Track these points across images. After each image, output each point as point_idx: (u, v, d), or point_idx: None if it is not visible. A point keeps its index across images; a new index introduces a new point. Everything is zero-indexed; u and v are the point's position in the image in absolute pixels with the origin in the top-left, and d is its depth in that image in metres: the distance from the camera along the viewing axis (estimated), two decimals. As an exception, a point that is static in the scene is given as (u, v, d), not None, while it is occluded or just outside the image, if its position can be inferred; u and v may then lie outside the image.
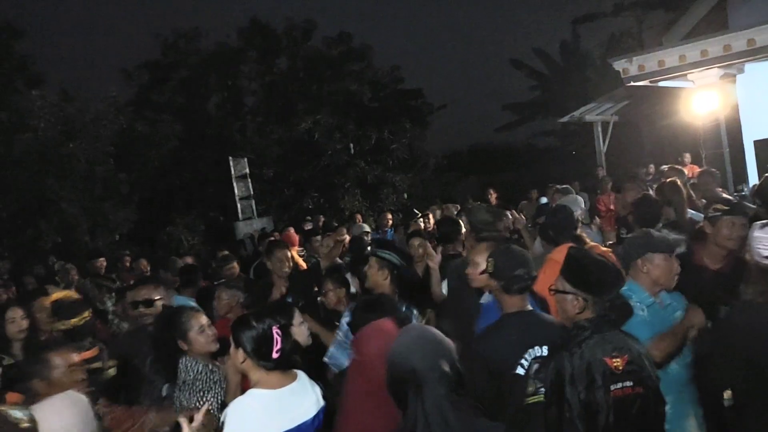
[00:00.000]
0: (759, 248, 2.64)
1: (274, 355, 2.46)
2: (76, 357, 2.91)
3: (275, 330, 2.47)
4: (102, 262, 8.52)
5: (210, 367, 3.30)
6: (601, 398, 2.37)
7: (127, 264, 9.23)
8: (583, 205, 5.54)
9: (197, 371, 3.23)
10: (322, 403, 2.66)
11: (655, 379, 2.58)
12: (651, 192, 5.94)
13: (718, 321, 2.77)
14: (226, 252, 7.88)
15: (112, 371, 3.82)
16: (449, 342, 2.16)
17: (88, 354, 3.67)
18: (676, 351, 2.92)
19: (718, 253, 3.75)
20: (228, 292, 4.62)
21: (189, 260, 7.80)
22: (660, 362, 2.89)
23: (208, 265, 8.29)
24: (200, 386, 3.21)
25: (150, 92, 19.68)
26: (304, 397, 2.58)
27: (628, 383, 2.42)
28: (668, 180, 5.86)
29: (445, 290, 4.49)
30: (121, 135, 14.81)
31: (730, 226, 3.69)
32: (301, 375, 2.65)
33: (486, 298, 3.54)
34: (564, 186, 8.08)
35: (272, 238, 8.25)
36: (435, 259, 4.42)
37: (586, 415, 2.35)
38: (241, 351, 2.51)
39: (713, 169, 7.27)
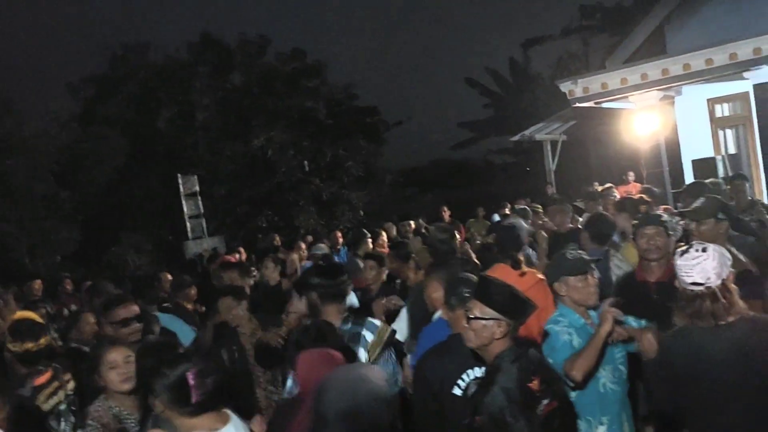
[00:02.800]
0: (683, 276, 2.66)
1: (193, 400, 2.39)
2: None
3: (189, 375, 2.39)
4: (39, 284, 8.04)
5: (112, 408, 3.09)
6: (536, 423, 2.43)
7: (68, 287, 8.89)
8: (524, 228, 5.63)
9: (93, 414, 3.04)
10: None
11: (564, 388, 2.69)
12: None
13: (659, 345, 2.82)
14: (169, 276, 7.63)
15: (71, 386, 3.66)
16: (380, 388, 2.21)
17: (41, 379, 3.53)
18: (594, 367, 2.95)
19: (650, 265, 3.83)
20: None
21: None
22: (581, 381, 2.91)
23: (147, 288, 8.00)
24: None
25: (96, 107, 19.23)
26: None
27: (546, 401, 2.49)
28: (637, 195, 6.00)
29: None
30: (64, 151, 14.39)
31: (644, 237, 3.81)
32: (234, 418, 2.55)
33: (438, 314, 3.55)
34: (522, 207, 8.18)
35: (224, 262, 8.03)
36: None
37: None
38: (158, 401, 2.43)
39: (654, 189, 7.47)
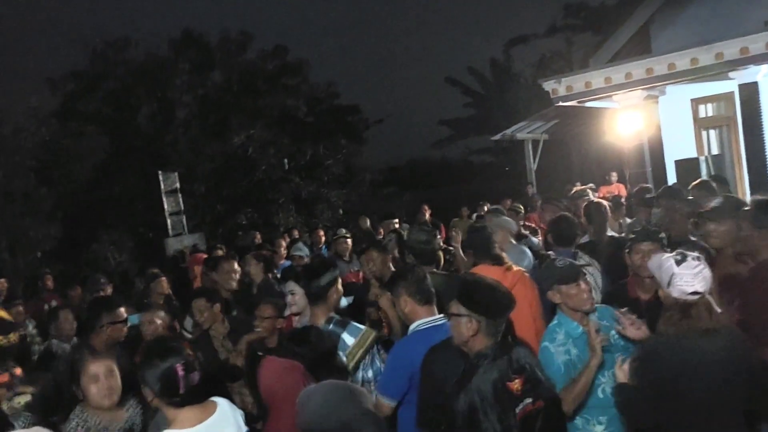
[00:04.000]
0: (682, 285, 2.58)
1: (181, 391, 2.47)
2: None
3: (179, 367, 2.46)
4: (2, 283, 7.76)
5: (88, 421, 2.97)
6: (512, 424, 2.45)
7: (49, 283, 8.74)
8: (512, 225, 5.63)
9: (68, 427, 2.93)
10: (244, 430, 2.66)
11: (552, 388, 2.68)
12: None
13: (639, 358, 2.74)
14: (154, 270, 7.53)
15: (21, 400, 3.53)
16: (369, 406, 2.25)
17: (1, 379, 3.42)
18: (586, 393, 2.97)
19: (644, 282, 3.65)
20: (151, 315, 4.32)
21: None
22: (570, 413, 2.94)
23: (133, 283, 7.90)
24: None
25: (76, 103, 18.92)
26: (223, 429, 2.57)
27: (528, 401, 2.51)
28: (594, 200, 6.01)
29: None
30: (43, 147, 14.13)
31: (639, 253, 3.65)
32: (222, 404, 2.63)
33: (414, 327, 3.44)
34: (495, 207, 8.18)
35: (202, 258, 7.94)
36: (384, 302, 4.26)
37: None
38: (149, 390, 2.50)
39: (648, 188, 7.24)
